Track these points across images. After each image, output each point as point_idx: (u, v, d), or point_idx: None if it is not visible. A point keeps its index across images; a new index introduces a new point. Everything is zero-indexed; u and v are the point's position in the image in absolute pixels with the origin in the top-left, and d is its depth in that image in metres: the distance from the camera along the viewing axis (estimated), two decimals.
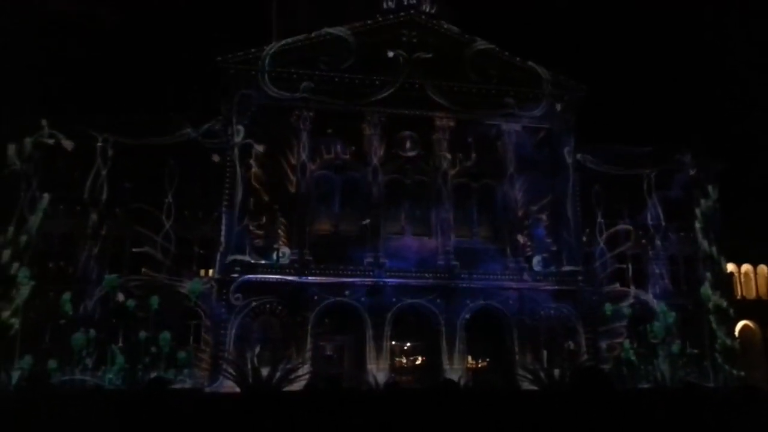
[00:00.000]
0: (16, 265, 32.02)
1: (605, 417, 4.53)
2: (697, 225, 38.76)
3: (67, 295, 31.77)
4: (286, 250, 33.07)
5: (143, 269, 33.16)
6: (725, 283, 39.00)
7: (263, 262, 32.67)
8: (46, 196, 32.94)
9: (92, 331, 31.52)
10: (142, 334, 31.60)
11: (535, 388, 28.39)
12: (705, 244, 38.51)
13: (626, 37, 61.60)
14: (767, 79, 49.36)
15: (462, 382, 30.03)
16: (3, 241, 32.30)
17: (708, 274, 38.22)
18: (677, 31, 62.50)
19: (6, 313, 31.34)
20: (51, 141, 33.70)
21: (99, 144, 34.06)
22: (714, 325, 37.40)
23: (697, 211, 38.96)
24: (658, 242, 38.18)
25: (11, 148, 33.17)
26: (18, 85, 32.83)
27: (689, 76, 60.62)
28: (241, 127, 33.85)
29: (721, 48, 56.75)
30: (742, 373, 35.72)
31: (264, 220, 34.28)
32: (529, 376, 30.29)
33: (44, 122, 33.57)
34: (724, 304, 37.70)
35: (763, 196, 43.78)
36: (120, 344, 32.26)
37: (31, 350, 30.78)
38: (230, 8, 65.89)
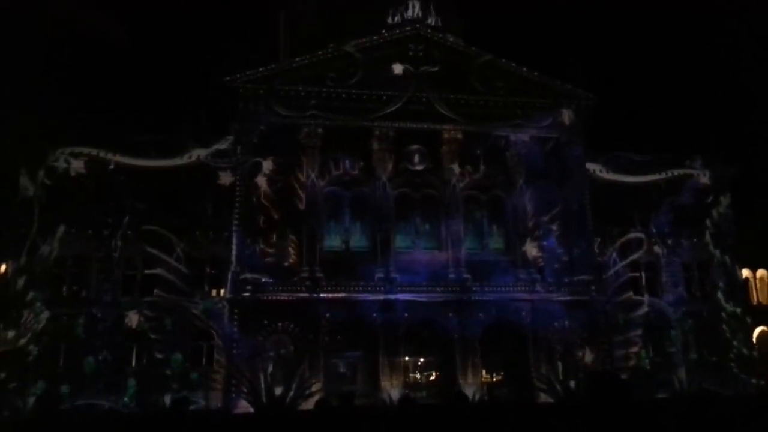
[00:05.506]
0: (22, 284, 32.06)
1: (622, 425, 4.43)
2: (709, 231, 38.37)
3: (80, 319, 31.90)
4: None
5: (155, 291, 33.23)
6: (740, 289, 38.52)
7: (274, 280, 32.66)
8: (61, 228, 32.93)
9: (105, 354, 31.61)
10: (155, 355, 31.64)
11: (551, 400, 28.09)
12: (717, 251, 38.11)
13: (634, 44, 61.60)
14: None
15: (477, 396, 29.84)
16: (17, 268, 32.46)
17: (721, 282, 37.78)
18: (686, 37, 62.44)
19: (22, 340, 31.40)
20: (62, 165, 34.00)
21: (111, 167, 34.36)
22: (729, 332, 36.90)
23: (709, 218, 38.58)
24: (671, 250, 37.82)
25: (23, 176, 33.41)
26: (26, 110, 33.12)
27: (698, 82, 60.42)
28: (250, 146, 34.09)
29: (730, 53, 56.58)
30: (762, 382, 35.12)
31: (274, 238, 34.32)
32: (545, 388, 30.00)
33: (57, 148, 33.87)
34: (739, 311, 37.22)
35: None
36: (133, 366, 32.37)
37: (45, 375, 30.87)
38: (238, 28, 66.63)
